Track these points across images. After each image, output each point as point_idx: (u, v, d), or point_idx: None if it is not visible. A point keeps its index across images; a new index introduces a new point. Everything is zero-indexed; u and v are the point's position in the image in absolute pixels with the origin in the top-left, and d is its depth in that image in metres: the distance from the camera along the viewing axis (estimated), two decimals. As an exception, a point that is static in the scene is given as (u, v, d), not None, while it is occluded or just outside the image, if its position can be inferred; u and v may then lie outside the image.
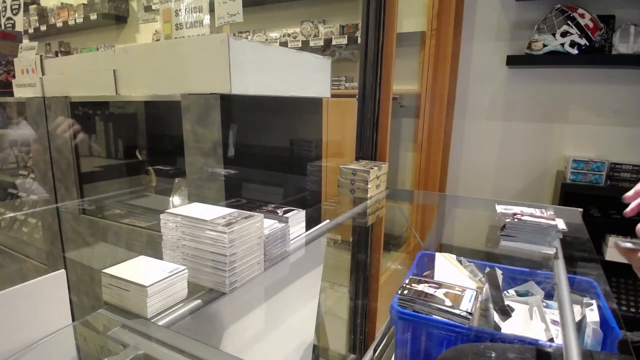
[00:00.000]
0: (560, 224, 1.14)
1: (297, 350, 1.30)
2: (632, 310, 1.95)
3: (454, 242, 1.77)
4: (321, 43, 2.89)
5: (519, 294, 1.23)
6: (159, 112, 1.60)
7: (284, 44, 3.03)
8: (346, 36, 2.82)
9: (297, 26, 3.05)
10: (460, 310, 0.93)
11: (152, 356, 0.60)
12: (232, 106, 1.07)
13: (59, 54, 4.24)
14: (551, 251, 1.11)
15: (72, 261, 1.56)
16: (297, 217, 1.01)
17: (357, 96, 1.75)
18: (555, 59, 2.07)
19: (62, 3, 4.19)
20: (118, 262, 0.74)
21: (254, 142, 1.27)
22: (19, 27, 1.88)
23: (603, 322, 0.97)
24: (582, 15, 1.98)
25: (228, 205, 0.91)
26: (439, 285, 1.04)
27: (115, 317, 0.68)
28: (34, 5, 4.34)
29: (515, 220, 1.16)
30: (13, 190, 2.08)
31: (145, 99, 1.44)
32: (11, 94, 1.59)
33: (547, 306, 1.17)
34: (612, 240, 1.94)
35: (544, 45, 2.06)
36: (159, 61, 1.12)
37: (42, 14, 4.31)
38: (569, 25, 2.00)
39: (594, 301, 1.05)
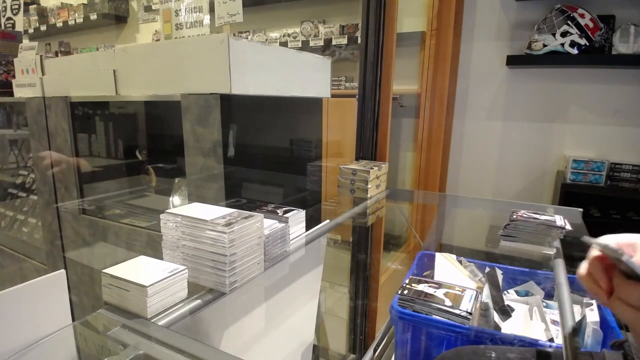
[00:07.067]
0: (567, 225, 1.14)
1: (297, 350, 1.30)
2: (632, 310, 1.94)
3: (454, 242, 1.77)
4: (321, 43, 2.89)
5: (519, 294, 1.23)
6: (159, 112, 1.60)
7: (284, 44, 3.03)
8: (346, 36, 2.82)
9: (297, 26, 3.05)
10: (460, 310, 0.93)
11: (152, 356, 0.60)
12: (232, 106, 1.07)
13: (59, 54, 4.24)
14: (551, 251, 1.11)
15: (72, 261, 1.56)
16: (297, 217, 1.01)
17: (357, 96, 1.75)
18: (555, 59, 2.07)
19: (62, 3, 4.19)
20: (118, 262, 0.74)
21: (254, 142, 1.27)
22: (19, 27, 1.88)
23: (603, 322, 0.97)
24: (582, 15, 1.98)
25: (228, 205, 0.91)
26: (439, 285, 1.04)
27: (115, 317, 0.68)
28: (34, 5, 4.34)
29: (517, 219, 1.16)
30: (13, 191, 2.08)
31: (145, 99, 1.44)
32: (11, 94, 1.59)
33: (547, 306, 1.17)
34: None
35: (544, 45, 2.06)
36: (159, 61, 1.12)
37: (42, 14, 4.31)
38: (569, 25, 2.00)
39: (594, 301, 1.05)
